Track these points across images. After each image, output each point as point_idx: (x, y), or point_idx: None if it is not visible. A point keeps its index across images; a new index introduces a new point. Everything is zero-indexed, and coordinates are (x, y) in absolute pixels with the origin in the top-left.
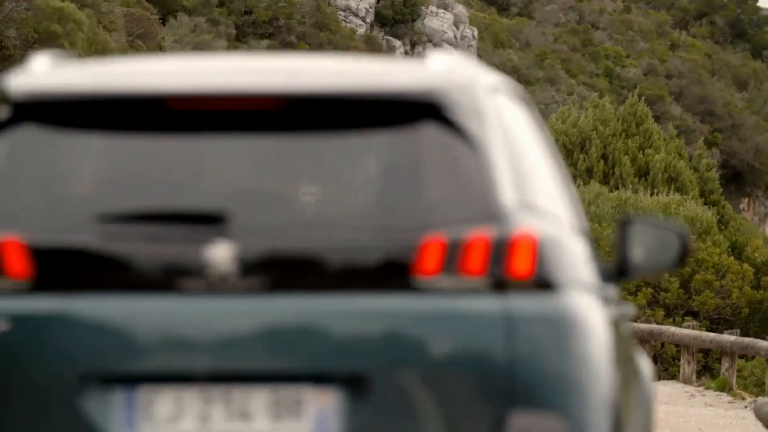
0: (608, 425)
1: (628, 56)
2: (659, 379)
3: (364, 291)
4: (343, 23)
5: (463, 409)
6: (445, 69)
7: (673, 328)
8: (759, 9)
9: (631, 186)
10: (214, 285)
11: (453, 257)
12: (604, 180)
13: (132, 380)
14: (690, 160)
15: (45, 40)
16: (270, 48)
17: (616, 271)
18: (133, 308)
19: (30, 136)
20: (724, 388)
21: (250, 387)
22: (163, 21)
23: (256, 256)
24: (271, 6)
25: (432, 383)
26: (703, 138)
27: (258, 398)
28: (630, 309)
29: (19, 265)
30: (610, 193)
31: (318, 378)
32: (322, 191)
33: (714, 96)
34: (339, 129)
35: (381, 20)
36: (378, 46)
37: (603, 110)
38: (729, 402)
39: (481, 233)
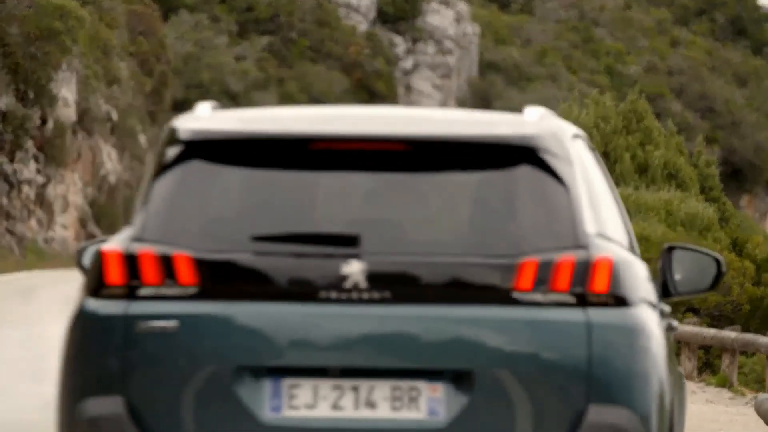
0: (666, 419)
1: (628, 53)
2: None
3: (471, 302)
4: (345, 20)
5: (549, 402)
6: (538, 120)
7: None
8: (759, 7)
9: (631, 183)
10: (348, 295)
11: (545, 276)
12: None
13: (278, 373)
14: (690, 157)
15: (47, 37)
16: (271, 44)
17: (660, 292)
18: (279, 313)
19: (196, 169)
20: (724, 384)
21: (375, 381)
22: (165, 18)
23: (383, 273)
24: (273, 3)
25: (524, 380)
26: (703, 135)
27: (381, 390)
28: (674, 322)
29: (187, 276)
30: None
31: (431, 374)
32: (438, 219)
33: (714, 93)
34: (454, 168)
35: (382, 17)
36: (379, 43)
37: (604, 107)
38: (730, 398)
39: (567, 257)
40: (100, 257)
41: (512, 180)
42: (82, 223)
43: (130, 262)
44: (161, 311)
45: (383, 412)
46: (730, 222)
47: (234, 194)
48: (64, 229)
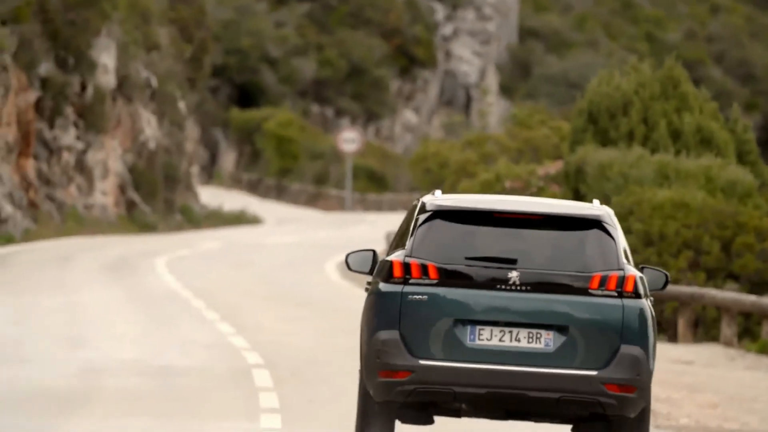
0: (653, 353)
1: (668, 20)
2: (700, 342)
3: (568, 293)
4: None
5: (603, 342)
6: (599, 206)
7: (714, 291)
8: None
9: (664, 149)
10: (510, 287)
11: (603, 283)
12: (645, 143)
13: (473, 323)
14: (727, 122)
15: (86, 3)
16: (311, 10)
17: None
18: (475, 294)
19: (436, 224)
20: (764, 350)
21: (520, 329)
22: None
23: (527, 278)
24: None
25: (592, 331)
26: (742, 101)
27: (523, 333)
28: (651, 299)
29: (433, 274)
30: (651, 157)
31: (547, 326)
32: (554, 253)
33: (754, 59)
34: (562, 229)
35: None
36: (419, 10)
37: (643, 74)
38: None
39: (614, 274)
40: (390, 263)
41: (588, 235)
42: (122, 189)
43: (405, 266)
44: (418, 291)
45: (523, 344)
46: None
47: (454, 235)
48: (104, 195)
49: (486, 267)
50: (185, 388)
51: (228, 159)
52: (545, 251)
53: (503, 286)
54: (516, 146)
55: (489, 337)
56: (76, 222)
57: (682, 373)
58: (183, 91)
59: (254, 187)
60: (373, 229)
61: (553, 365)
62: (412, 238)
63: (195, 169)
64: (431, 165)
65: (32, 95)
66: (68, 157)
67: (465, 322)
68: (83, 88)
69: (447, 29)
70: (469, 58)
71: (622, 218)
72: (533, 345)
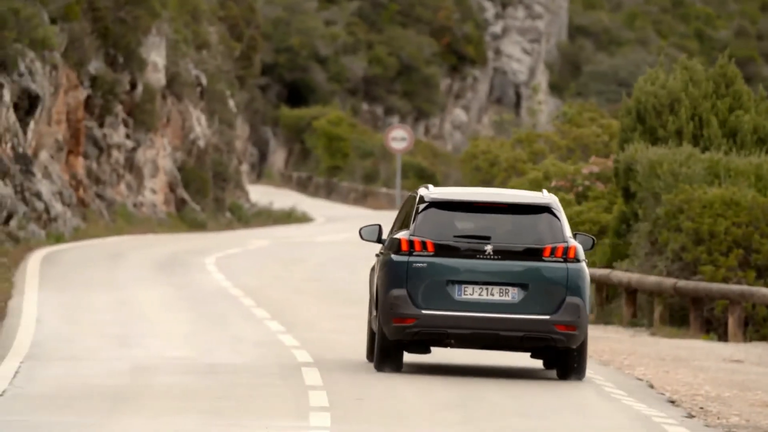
0: (588, 302)
1: (718, 17)
2: (750, 341)
3: (528, 260)
4: None
5: (554, 294)
6: (548, 194)
7: (764, 290)
8: None
9: (716, 148)
10: (485, 257)
11: (554, 251)
12: (694, 141)
13: (460, 283)
14: None
15: (136, 1)
16: (360, 8)
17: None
18: (462, 262)
19: (431, 211)
20: None
21: (494, 286)
22: None
23: (497, 249)
24: None
25: (545, 286)
26: None
27: (496, 290)
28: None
29: (430, 248)
30: (701, 155)
31: (513, 284)
32: (517, 231)
33: None
34: (525, 213)
35: None
36: (469, 8)
37: (693, 71)
38: None
39: (561, 245)
40: (399, 240)
41: (542, 219)
42: (171, 187)
43: (410, 242)
44: (420, 260)
45: (496, 297)
46: None
47: (445, 219)
48: (153, 193)
49: (468, 242)
50: (235, 386)
51: (278, 157)
52: (510, 230)
53: (481, 256)
54: (566, 144)
55: (471, 293)
56: (126, 220)
57: (732, 371)
58: (233, 89)
59: (304, 186)
60: None
61: (517, 312)
62: (414, 222)
63: (245, 168)
64: (481, 163)
65: (82, 93)
66: (118, 156)
67: (454, 282)
68: (133, 86)
69: (497, 27)
70: (519, 56)
71: (672, 216)
72: (503, 298)
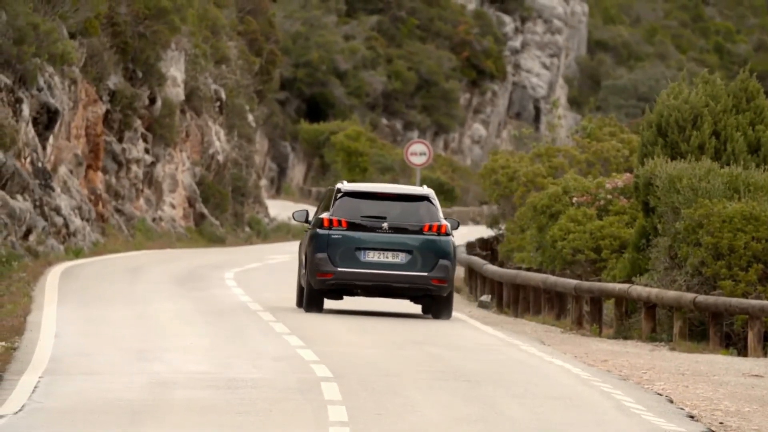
0: (455, 263)
1: (738, 32)
2: None
3: (413, 234)
4: None
5: (428, 258)
6: (427, 189)
7: None
8: None
9: (743, 162)
10: (384, 230)
11: (430, 228)
12: (716, 156)
13: (365, 248)
14: None
15: (156, 16)
16: (380, 23)
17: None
18: (367, 234)
19: (345, 198)
20: None
21: (389, 251)
22: None
23: (392, 225)
24: None
25: (425, 252)
26: None
27: (391, 254)
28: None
29: (344, 225)
30: (721, 170)
31: (401, 250)
32: (405, 214)
33: None
34: (409, 201)
35: None
36: (488, 22)
37: (714, 86)
38: None
39: (436, 223)
40: (322, 219)
41: (423, 205)
42: (190, 202)
43: (330, 221)
44: (336, 233)
45: (390, 259)
46: None
47: (354, 205)
48: (172, 208)
49: (370, 221)
50: (254, 401)
51: (297, 172)
52: (400, 213)
53: (379, 230)
54: (585, 158)
55: (372, 256)
56: (145, 235)
57: (751, 386)
58: (252, 104)
59: None
60: None
61: (405, 270)
62: (332, 207)
63: (264, 182)
64: (500, 177)
65: (101, 108)
66: (137, 170)
67: (360, 248)
68: (152, 100)
69: (516, 42)
70: (539, 71)
71: (691, 231)
72: (395, 260)
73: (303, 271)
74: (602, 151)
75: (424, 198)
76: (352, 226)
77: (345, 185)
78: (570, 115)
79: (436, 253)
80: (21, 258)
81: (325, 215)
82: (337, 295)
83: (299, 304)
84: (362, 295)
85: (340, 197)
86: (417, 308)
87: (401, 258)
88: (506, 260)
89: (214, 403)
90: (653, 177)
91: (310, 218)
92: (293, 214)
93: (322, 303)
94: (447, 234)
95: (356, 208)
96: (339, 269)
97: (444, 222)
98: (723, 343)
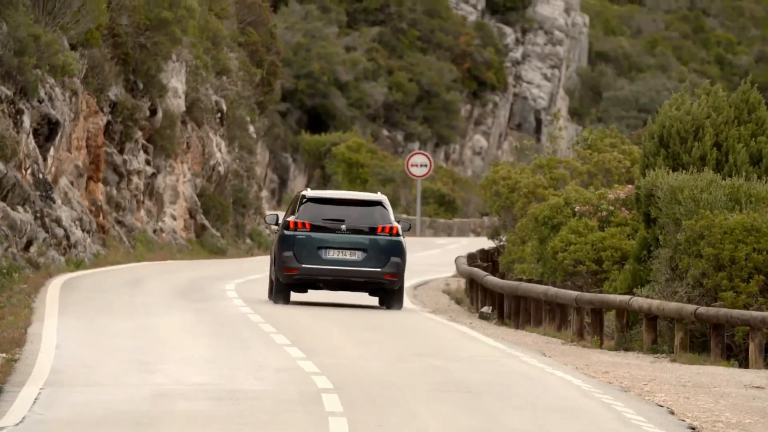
0: (405, 260)
1: (739, 43)
2: None
3: (369, 234)
4: (454, 10)
5: (381, 256)
6: (380, 195)
7: None
8: None
9: (744, 174)
10: (342, 231)
11: (383, 229)
12: (717, 168)
13: (326, 247)
14: None
15: (157, 27)
16: (381, 34)
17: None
18: (328, 235)
19: (309, 204)
20: None
21: (348, 250)
22: (275, 8)
23: (349, 227)
24: None
25: (378, 251)
26: None
27: (349, 252)
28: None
29: (308, 227)
30: (723, 181)
31: (358, 249)
32: (362, 217)
33: None
34: (366, 206)
35: (492, 7)
36: (489, 33)
37: (715, 98)
38: None
39: (388, 225)
40: (288, 221)
41: (377, 210)
42: (191, 213)
43: (295, 223)
44: (301, 234)
45: (348, 257)
46: None
47: (317, 209)
48: (173, 219)
49: (331, 223)
50: (256, 412)
51: (298, 183)
52: (357, 216)
53: (339, 232)
54: (587, 169)
55: (333, 254)
56: (146, 246)
57: (753, 398)
58: (253, 115)
59: None
60: (443, 253)
61: (361, 266)
62: (298, 210)
63: (265, 194)
64: (501, 189)
65: (102, 119)
66: (138, 182)
67: (322, 247)
68: (153, 112)
69: (517, 53)
70: (540, 82)
71: (692, 242)
72: (353, 257)
73: (273, 267)
74: (603, 162)
75: (377, 203)
76: (315, 227)
77: (309, 192)
78: (571, 126)
79: (388, 251)
80: (22, 269)
81: (291, 218)
82: (302, 289)
83: (270, 296)
84: (324, 288)
85: (305, 202)
86: (374, 300)
87: (358, 256)
88: (507, 271)
89: (215, 414)
90: (655, 188)
91: (280, 221)
92: (265, 217)
93: (288, 295)
94: (398, 234)
95: (318, 212)
96: (303, 266)
97: (395, 224)
98: (724, 355)
